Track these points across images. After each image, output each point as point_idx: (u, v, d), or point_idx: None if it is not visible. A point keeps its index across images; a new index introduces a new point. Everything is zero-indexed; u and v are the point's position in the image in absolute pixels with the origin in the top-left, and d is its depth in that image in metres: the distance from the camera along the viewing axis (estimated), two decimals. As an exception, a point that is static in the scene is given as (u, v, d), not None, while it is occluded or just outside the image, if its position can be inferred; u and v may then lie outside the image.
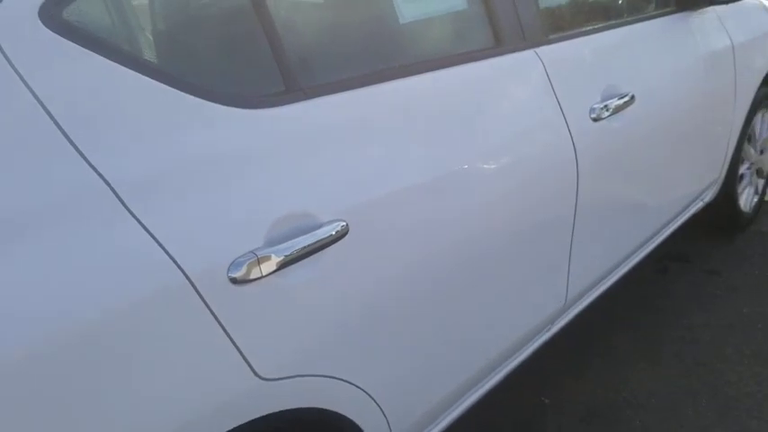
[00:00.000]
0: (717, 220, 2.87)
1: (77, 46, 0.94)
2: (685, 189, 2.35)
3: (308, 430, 1.19)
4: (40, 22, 0.92)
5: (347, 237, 1.14)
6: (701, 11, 2.28)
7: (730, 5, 2.42)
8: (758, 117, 2.80)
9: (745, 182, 2.85)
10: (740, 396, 1.98)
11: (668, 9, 2.18)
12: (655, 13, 2.14)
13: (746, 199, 2.90)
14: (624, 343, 2.30)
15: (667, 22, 2.15)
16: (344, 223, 1.14)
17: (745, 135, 2.69)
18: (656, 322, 2.40)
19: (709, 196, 2.62)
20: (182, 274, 0.96)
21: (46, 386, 0.84)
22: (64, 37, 0.93)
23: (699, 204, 2.57)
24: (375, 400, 1.27)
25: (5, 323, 0.80)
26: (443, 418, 1.53)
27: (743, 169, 2.80)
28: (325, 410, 1.19)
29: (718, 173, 2.58)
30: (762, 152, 2.95)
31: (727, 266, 2.72)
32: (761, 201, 3.05)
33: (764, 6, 2.73)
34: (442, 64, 1.41)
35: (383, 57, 1.35)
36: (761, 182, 3.03)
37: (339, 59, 1.30)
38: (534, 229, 1.56)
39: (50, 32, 0.92)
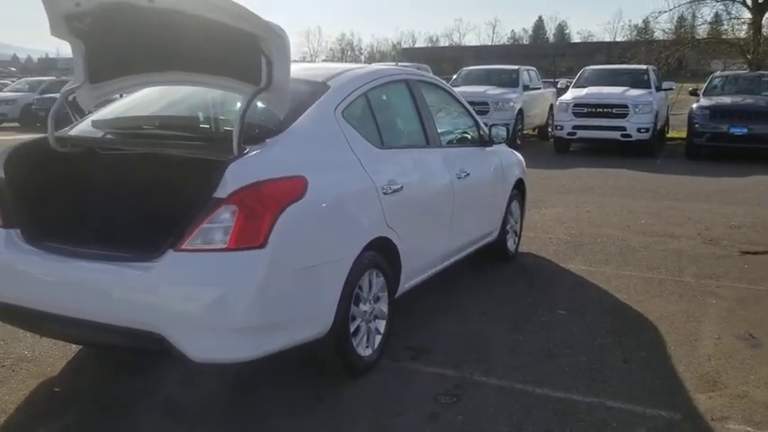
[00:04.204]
0: (497, 254, 5.75)
1: (347, 123, 3.53)
2: (487, 224, 5.24)
3: (378, 245, 3.62)
4: (335, 114, 3.49)
5: (402, 190, 3.76)
6: (489, 148, 5.28)
7: (498, 146, 5.44)
8: (513, 203, 5.82)
9: (509, 234, 5.82)
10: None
11: (477, 143, 5.17)
12: (473, 144, 5.12)
13: (511, 243, 5.86)
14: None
15: (476, 149, 5.14)
16: (402, 185, 3.75)
17: (508, 211, 5.69)
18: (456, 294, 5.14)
19: (494, 236, 5.51)
20: (374, 187, 3.52)
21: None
22: (345, 119, 3.52)
23: (489, 239, 5.44)
24: (402, 241, 3.78)
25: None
26: (422, 273, 4.14)
27: (507, 227, 5.76)
28: (388, 239, 3.69)
29: (498, 223, 5.51)
30: (516, 222, 5.97)
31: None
32: (517, 248, 6.04)
33: (512, 150, 5.89)
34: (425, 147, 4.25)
35: (411, 140, 4.15)
36: (516, 238, 6.03)
37: (399, 140, 4.04)
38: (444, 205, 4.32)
39: (340, 117, 3.50)
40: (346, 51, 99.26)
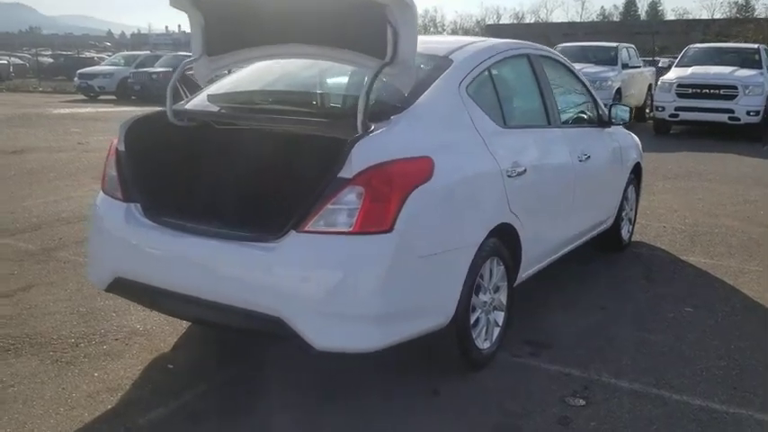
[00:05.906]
0: (610, 242, 5.41)
1: (471, 101, 3.30)
2: (604, 210, 4.91)
3: (501, 231, 3.39)
4: (460, 90, 3.26)
5: (526, 173, 3.50)
6: (607, 129, 4.93)
7: (615, 127, 5.08)
8: (629, 189, 5.45)
9: (624, 222, 5.46)
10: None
11: (594, 124, 4.83)
12: (590, 125, 4.78)
13: (625, 232, 5.50)
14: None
15: (595, 130, 4.79)
16: (525, 168, 3.49)
17: (624, 196, 5.32)
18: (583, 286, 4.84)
19: (609, 223, 5.17)
20: (499, 170, 3.28)
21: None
22: (469, 96, 3.29)
23: (605, 226, 5.10)
24: (524, 228, 3.54)
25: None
26: (540, 262, 3.89)
27: (623, 214, 5.40)
28: (511, 225, 3.45)
29: (614, 210, 5.16)
30: (631, 209, 5.60)
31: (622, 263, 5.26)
32: (630, 236, 5.67)
33: (628, 132, 5.50)
34: (546, 127, 3.98)
35: (533, 119, 3.90)
36: (630, 226, 5.66)
37: (521, 118, 3.78)
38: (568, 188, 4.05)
39: (464, 94, 3.27)
40: (428, 28, 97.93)
